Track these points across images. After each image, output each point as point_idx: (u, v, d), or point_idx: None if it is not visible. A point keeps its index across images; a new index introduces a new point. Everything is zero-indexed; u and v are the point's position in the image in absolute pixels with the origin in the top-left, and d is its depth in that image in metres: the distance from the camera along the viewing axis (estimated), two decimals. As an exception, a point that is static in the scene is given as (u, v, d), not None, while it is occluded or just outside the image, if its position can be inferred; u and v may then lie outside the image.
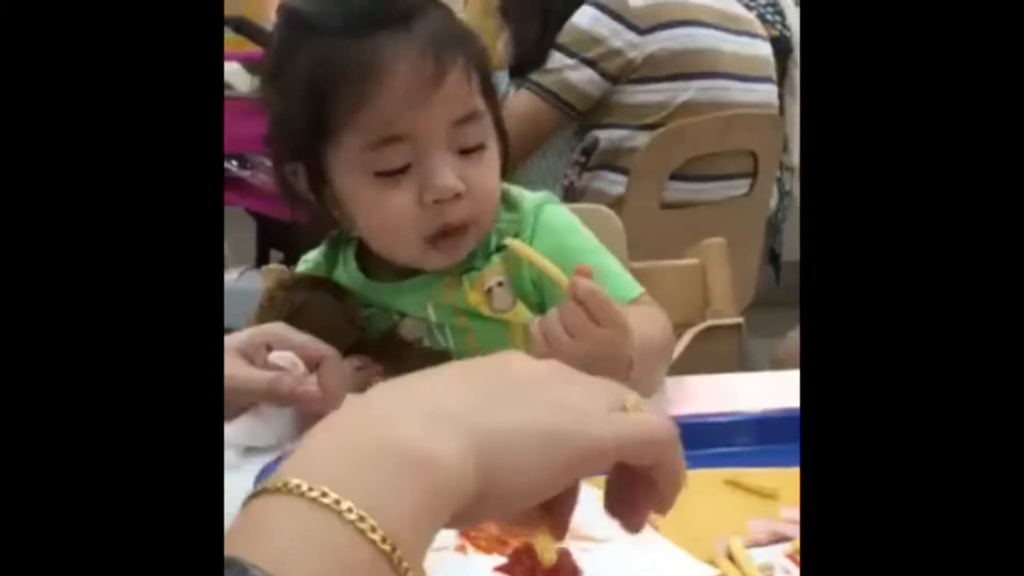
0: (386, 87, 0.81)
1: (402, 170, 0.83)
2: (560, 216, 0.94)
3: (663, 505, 0.48)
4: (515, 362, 0.45)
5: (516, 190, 0.95)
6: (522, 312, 0.91)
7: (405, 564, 0.36)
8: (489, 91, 0.88)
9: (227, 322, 1.73)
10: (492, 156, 0.88)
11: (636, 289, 0.93)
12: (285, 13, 0.88)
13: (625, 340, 0.76)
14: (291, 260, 2.19)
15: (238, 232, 2.22)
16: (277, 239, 2.15)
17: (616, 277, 0.92)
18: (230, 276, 2.14)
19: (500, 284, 0.90)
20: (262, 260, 2.19)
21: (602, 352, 0.74)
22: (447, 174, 0.83)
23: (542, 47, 1.85)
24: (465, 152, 0.85)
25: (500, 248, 0.91)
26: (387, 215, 0.86)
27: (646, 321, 0.85)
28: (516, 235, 0.89)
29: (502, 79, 2.03)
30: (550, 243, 0.90)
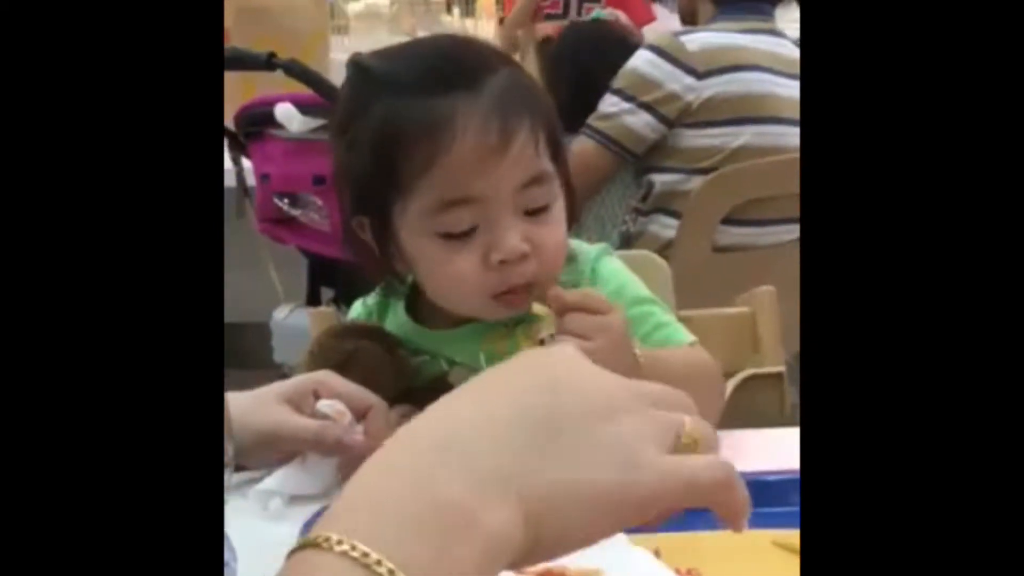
0: (454, 151, 0.81)
1: (469, 232, 0.83)
2: (616, 268, 0.95)
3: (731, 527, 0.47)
4: (562, 385, 0.43)
5: (575, 243, 0.95)
6: None
7: None
8: (557, 150, 0.88)
9: (276, 357, 1.75)
10: (558, 214, 0.87)
11: (688, 337, 0.93)
12: (356, 69, 0.88)
13: (624, 321, 0.83)
14: (341, 298, 2.22)
15: (289, 269, 2.24)
16: (328, 277, 2.17)
17: (668, 327, 0.93)
18: (280, 313, 2.16)
19: (552, 336, 0.90)
20: (313, 298, 2.21)
21: (619, 338, 0.80)
22: (513, 236, 0.83)
23: (574, 102, 1.86)
24: (531, 213, 0.85)
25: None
26: (452, 275, 0.86)
27: (696, 360, 0.89)
28: (575, 286, 0.90)
29: None
30: (607, 292, 0.91)
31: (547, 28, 2.67)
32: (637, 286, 0.95)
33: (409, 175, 0.82)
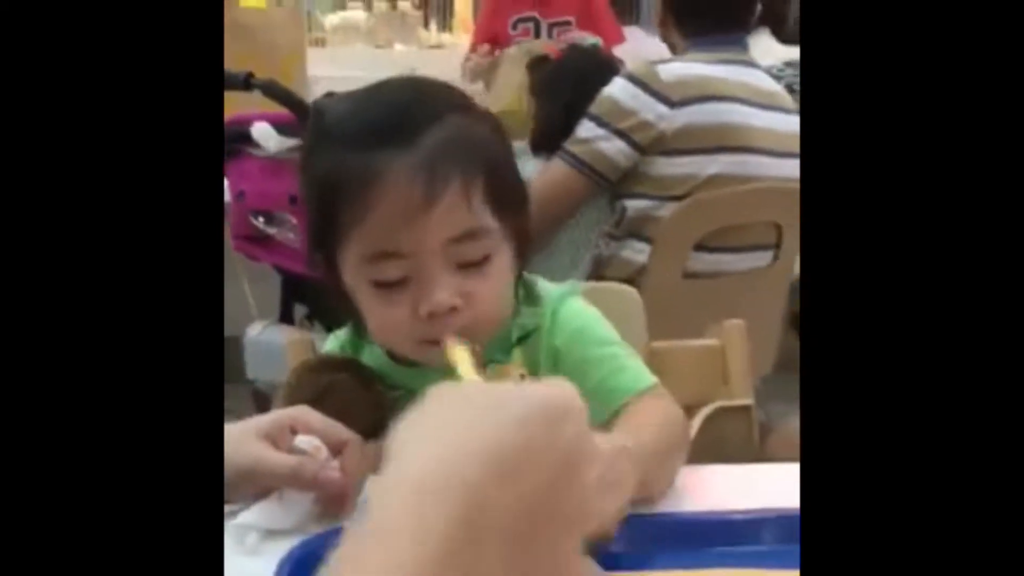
0: (381, 207, 0.82)
1: (401, 282, 0.84)
2: (578, 309, 0.95)
3: None
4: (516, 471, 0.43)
5: (541, 284, 0.96)
6: None
7: None
8: (503, 201, 0.87)
9: (248, 373, 1.75)
10: (499, 266, 0.87)
11: (648, 380, 0.93)
12: (316, 113, 0.90)
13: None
14: (315, 315, 2.22)
15: (263, 286, 2.24)
16: (301, 294, 2.17)
17: (628, 370, 0.93)
18: (253, 330, 2.16)
19: (522, 376, 0.91)
20: (286, 315, 2.21)
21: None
22: (441, 291, 0.83)
23: (564, 126, 1.89)
24: (466, 265, 0.85)
25: (521, 340, 0.92)
26: (386, 322, 0.87)
27: (652, 417, 0.87)
28: (535, 330, 0.92)
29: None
30: (567, 334, 0.92)
31: (543, 47, 2.68)
32: (600, 326, 0.96)
33: (345, 225, 0.83)
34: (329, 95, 0.90)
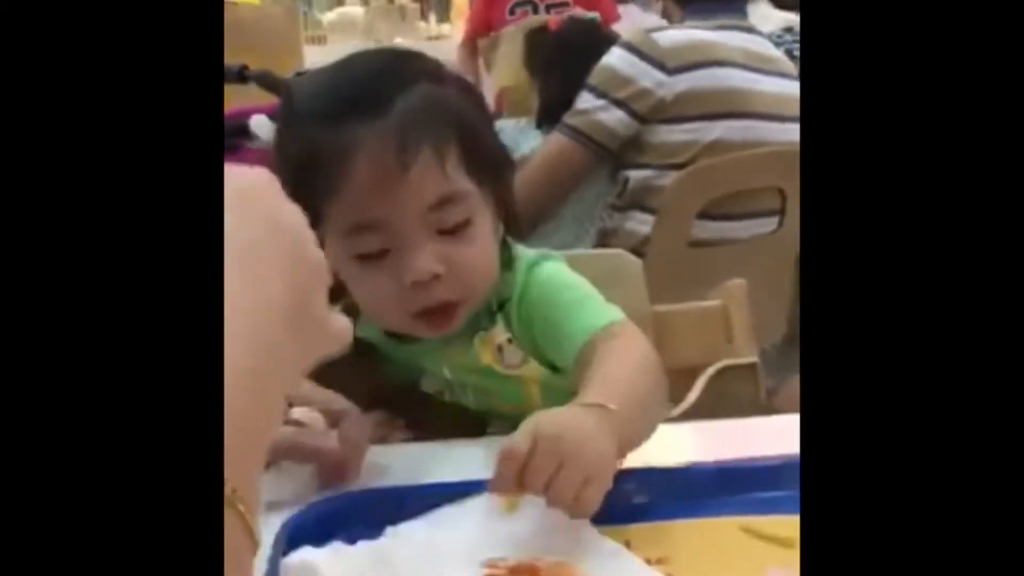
0: (354, 178, 0.81)
1: (382, 253, 0.84)
2: (551, 272, 0.92)
3: None
4: None
5: (518, 250, 0.94)
6: (534, 367, 0.91)
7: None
8: (479, 164, 0.86)
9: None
10: (480, 230, 0.86)
11: (611, 315, 0.88)
12: (285, 92, 0.90)
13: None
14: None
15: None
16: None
17: (589, 307, 0.89)
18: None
19: (510, 341, 0.91)
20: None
21: (577, 432, 0.70)
22: (422, 259, 0.83)
23: (566, 97, 1.87)
24: (447, 232, 0.84)
25: (502, 307, 0.91)
26: (371, 295, 0.87)
27: (625, 364, 0.82)
28: (507, 299, 0.90)
29: (506, 128, 2.06)
30: (537, 298, 0.90)
31: (543, 19, 2.66)
32: (573, 289, 0.92)
33: (320, 201, 0.82)
34: (300, 74, 0.90)
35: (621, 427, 0.73)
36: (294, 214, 0.48)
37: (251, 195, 0.47)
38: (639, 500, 0.74)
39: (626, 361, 0.82)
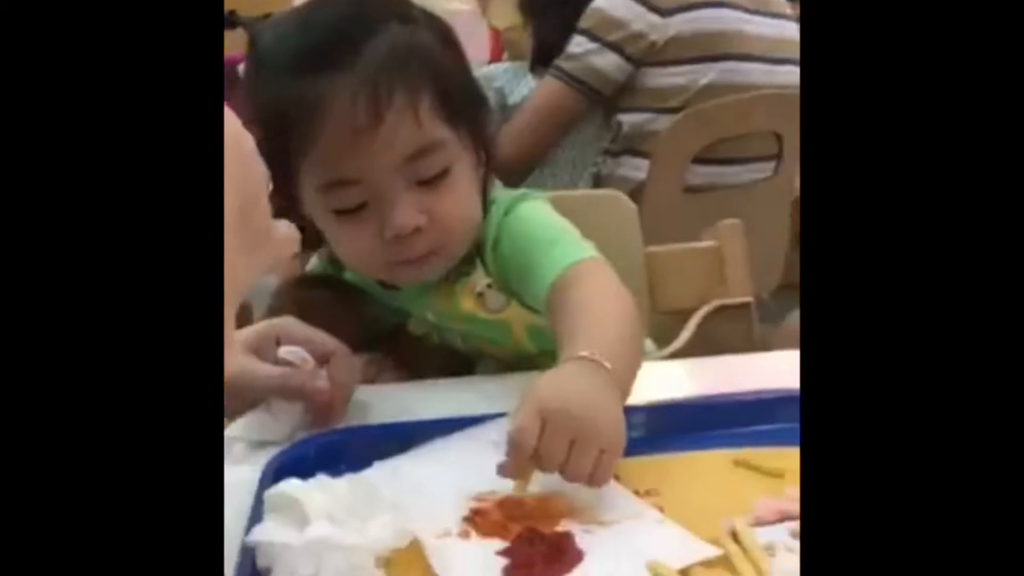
0: (325, 134, 0.79)
1: (360, 207, 0.82)
2: (527, 215, 0.90)
3: None
4: None
5: (496, 192, 0.92)
6: (517, 309, 0.90)
7: None
8: (455, 109, 0.83)
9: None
10: (460, 178, 0.84)
11: (577, 254, 0.84)
12: (250, 39, 0.87)
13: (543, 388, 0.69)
14: (304, 242, 2.20)
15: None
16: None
17: (559, 246, 0.85)
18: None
19: (490, 286, 0.89)
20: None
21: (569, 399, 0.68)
22: (404, 212, 0.81)
23: (561, 41, 1.85)
24: (426, 182, 0.82)
25: (480, 251, 0.90)
26: (352, 249, 0.86)
27: (605, 310, 0.78)
28: (481, 245, 0.88)
29: (499, 73, 2.03)
30: (510, 241, 0.88)
31: None
32: (548, 227, 0.88)
33: (293, 156, 0.80)
34: (267, 16, 0.87)
35: (618, 377, 0.71)
36: (232, 123, 0.47)
37: None
38: (630, 435, 0.73)
39: (603, 304, 0.79)
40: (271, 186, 0.49)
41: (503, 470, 0.67)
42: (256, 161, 0.48)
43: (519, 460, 0.66)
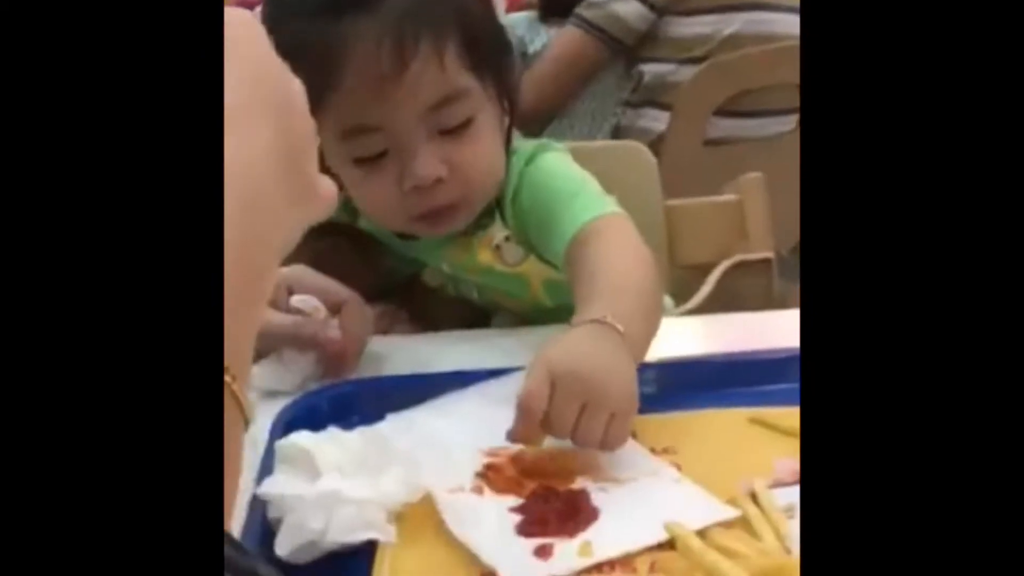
0: (346, 81, 0.76)
1: (381, 155, 0.80)
2: (547, 164, 0.88)
3: None
4: None
5: (518, 143, 0.90)
6: (534, 263, 0.88)
7: None
8: (481, 57, 0.81)
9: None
10: (484, 127, 0.82)
11: (598, 209, 0.83)
12: None
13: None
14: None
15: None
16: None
17: (579, 200, 0.84)
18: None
19: (507, 239, 0.88)
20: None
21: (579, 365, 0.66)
22: (425, 162, 0.79)
23: None
24: (449, 132, 0.80)
25: (499, 203, 0.88)
26: (371, 199, 0.83)
27: (624, 271, 0.76)
28: (501, 199, 0.87)
29: (519, 21, 2.00)
30: (530, 193, 0.86)
31: None
32: (568, 179, 0.87)
33: (313, 103, 0.78)
34: None
35: (632, 340, 0.69)
36: (280, 66, 0.45)
37: (235, 42, 0.43)
38: (647, 391, 0.72)
39: (622, 263, 0.77)
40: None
41: (512, 435, 0.65)
42: (305, 110, 0.46)
43: (528, 425, 0.64)
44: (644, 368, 0.72)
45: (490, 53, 0.83)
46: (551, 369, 0.65)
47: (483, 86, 0.82)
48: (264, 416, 0.71)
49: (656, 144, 1.76)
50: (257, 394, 0.77)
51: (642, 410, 0.68)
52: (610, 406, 0.64)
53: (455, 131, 0.80)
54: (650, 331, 0.74)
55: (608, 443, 0.65)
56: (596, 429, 0.64)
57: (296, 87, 0.46)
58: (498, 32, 0.86)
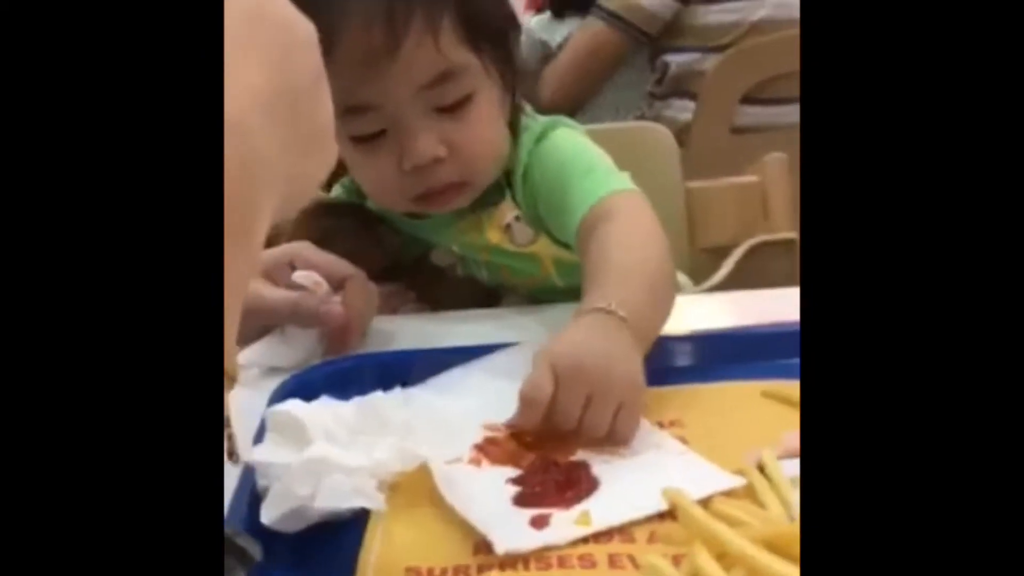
0: (337, 58, 0.74)
1: (379, 134, 0.78)
2: (559, 144, 0.85)
3: None
4: None
5: (529, 119, 0.88)
6: (545, 243, 0.86)
7: None
8: (478, 31, 0.78)
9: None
10: (484, 103, 0.80)
11: (610, 186, 0.80)
12: None
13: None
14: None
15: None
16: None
17: (592, 178, 0.81)
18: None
19: (518, 218, 0.86)
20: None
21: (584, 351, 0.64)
22: (422, 142, 0.77)
23: None
24: (447, 109, 0.78)
25: (509, 181, 0.86)
26: (372, 179, 0.82)
27: (634, 255, 0.74)
28: (511, 173, 0.84)
29: (543, 24, 1.98)
30: (540, 171, 0.84)
31: None
32: (583, 156, 0.84)
33: None
34: None
35: (638, 328, 0.67)
36: (284, 6, 0.43)
37: None
38: (656, 365, 0.70)
39: (631, 244, 0.74)
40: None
41: (514, 426, 0.64)
42: (312, 53, 0.44)
43: (531, 418, 0.62)
44: (660, 342, 0.69)
45: (489, 26, 0.81)
46: (554, 362, 0.62)
47: (482, 62, 0.80)
48: (262, 392, 0.70)
49: (682, 133, 1.74)
50: (259, 371, 0.75)
51: (649, 383, 0.66)
52: (616, 396, 0.62)
53: (453, 109, 0.79)
54: (659, 315, 0.72)
55: (615, 436, 0.62)
56: (602, 420, 0.62)
57: (303, 29, 0.43)
58: (499, 6, 0.84)
